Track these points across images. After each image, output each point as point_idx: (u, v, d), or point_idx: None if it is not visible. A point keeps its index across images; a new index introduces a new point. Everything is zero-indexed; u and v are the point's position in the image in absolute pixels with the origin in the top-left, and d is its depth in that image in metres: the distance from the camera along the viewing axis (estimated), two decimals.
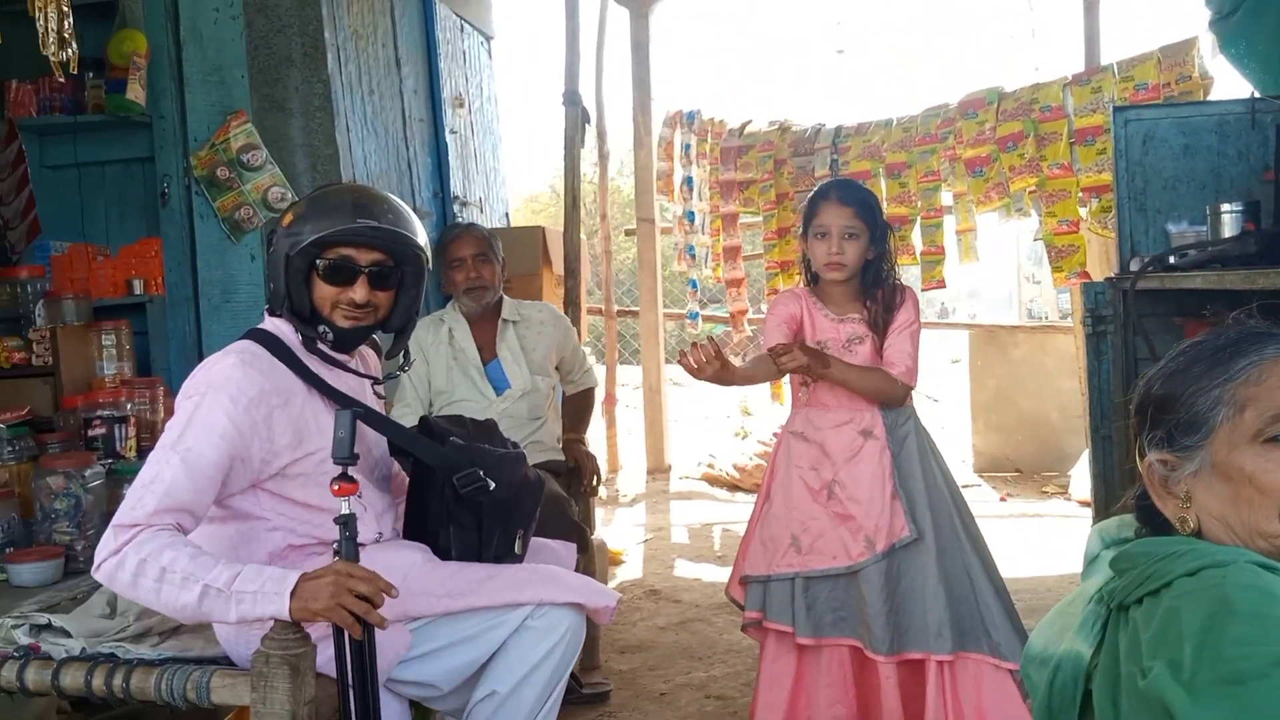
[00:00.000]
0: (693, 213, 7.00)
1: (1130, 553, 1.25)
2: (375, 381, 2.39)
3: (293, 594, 1.88)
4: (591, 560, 3.81)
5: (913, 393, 2.95)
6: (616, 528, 6.32)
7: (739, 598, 3.00)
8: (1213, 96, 4.60)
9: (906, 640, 2.74)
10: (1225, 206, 2.87)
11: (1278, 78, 3.64)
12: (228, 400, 2.04)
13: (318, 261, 2.19)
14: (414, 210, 5.22)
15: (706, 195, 6.95)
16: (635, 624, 4.40)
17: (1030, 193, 5.23)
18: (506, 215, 6.86)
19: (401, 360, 2.42)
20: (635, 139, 7.42)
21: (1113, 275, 3.25)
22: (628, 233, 8.40)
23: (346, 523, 1.93)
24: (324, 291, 2.20)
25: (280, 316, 2.25)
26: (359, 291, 2.20)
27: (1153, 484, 1.29)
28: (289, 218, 2.23)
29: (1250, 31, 3.74)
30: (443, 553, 2.31)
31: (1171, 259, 2.93)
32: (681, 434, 9.02)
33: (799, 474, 2.90)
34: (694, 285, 7.34)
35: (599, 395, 7.97)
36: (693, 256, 7.07)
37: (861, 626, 2.78)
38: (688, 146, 7.00)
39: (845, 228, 2.83)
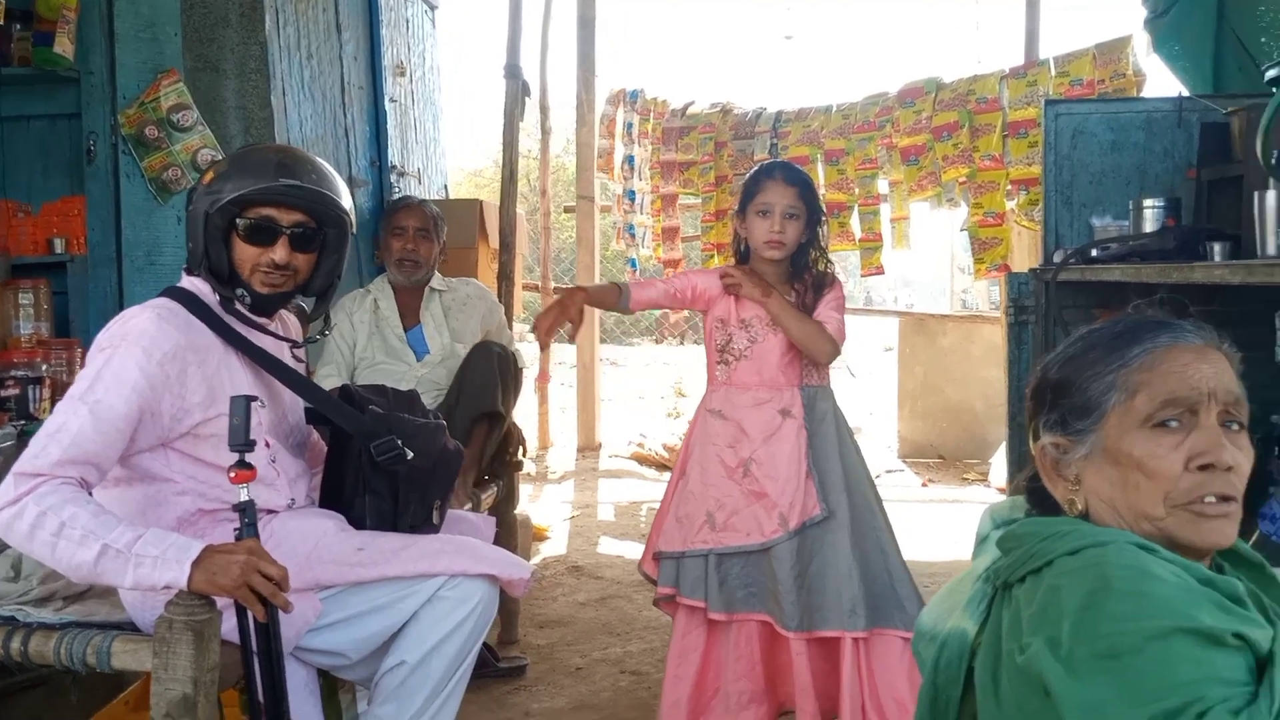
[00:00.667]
0: (633, 192, 6.98)
1: (1016, 532, 1.27)
2: (294, 345, 2.35)
3: (196, 564, 1.85)
4: (512, 534, 3.80)
5: (830, 371, 3.00)
6: (544, 504, 6.32)
7: (652, 573, 3.02)
8: (1145, 94, 4.69)
9: (818, 618, 2.77)
10: (1147, 202, 2.93)
11: (1206, 78, 3.72)
12: (141, 353, 2.00)
13: (238, 221, 2.14)
14: (350, 179, 5.20)
15: (647, 175, 6.94)
16: (556, 599, 4.41)
17: (961, 183, 5.30)
18: (445, 187, 6.79)
19: (322, 324, 2.39)
20: (578, 116, 7.38)
21: (1036, 266, 3.29)
22: (567, 210, 8.36)
23: (245, 509, 1.90)
24: (244, 252, 2.16)
25: (198, 276, 2.20)
26: (279, 253, 2.16)
27: (1044, 466, 1.32)
28: (210, 175, 2.19)
29: (1182, 31, 3.81)
30: (357, 521, 2.28)
31: (1093, 252, 2.97)
32: (614, 413, 9.04)
33: (715, 451, 2.90)
34: (633, 264, 7.33)
35: (532, 372, 7.98)
36: (632, 236, 7.06)
37: (773, 602, 2.80)
38: (630, 125, 6.98)
39: (788, 207, 2.85)
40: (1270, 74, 1.86)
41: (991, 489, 6.47)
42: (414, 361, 3.67)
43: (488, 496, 3.57)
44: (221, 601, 1.93)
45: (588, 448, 7.73)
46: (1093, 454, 1.26)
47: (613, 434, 8.03)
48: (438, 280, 3.80)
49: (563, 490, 6.73)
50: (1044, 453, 1.31)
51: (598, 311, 7.69)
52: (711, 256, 6.59)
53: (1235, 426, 1.24)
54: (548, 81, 7.37)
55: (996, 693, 1.19)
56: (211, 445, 2.13)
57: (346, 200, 2.25)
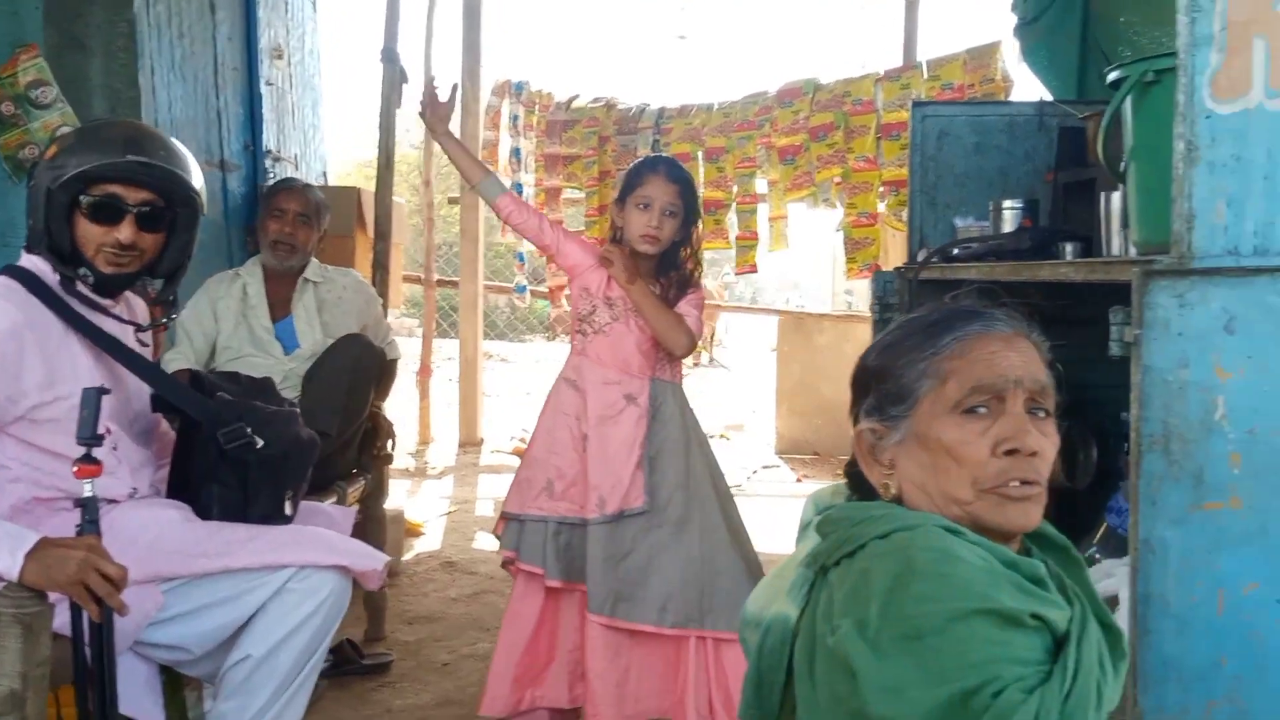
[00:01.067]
0: (520, 185, 6.92)
1: (833, 517, 1.30)
2: (139, 328, 2.26)
3: (30, 556, 1.77)
4: (381, 529, 3.73)
5: (683, 371, 3.02)
6: (422, 500, 6.23)
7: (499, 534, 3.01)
8: (1013, 98, 4.83)
9: (623, 609, 2.77)
10: (1006, 203, 2.99)
11: (1072, 85, 3.85)
12: None
13: (82, 198, 2.06)
14: (221, 162, 5.03)
15: (532, 168, 6.89)
16: (427, 595, 4.34)
17: (835, 184, 5.38)
18: (325, 174, 6.63)
19: (170, 308, 2.31)
20: (463, 106, 7.26)
21: (900, 265, 3.35)
22: (451, 201, 8.25)
23: (87, 505, 1.83)
24: (88, 231, 2.08)
25: (38, 254, 2.10)
26: (125, 232, 2.08)
27: (861, 451, 1.34)
28: (54, 149, 2.11)
29: (1050, 39, 3.94)
30: (204, 511, 2.22)
31: (955, 251, 3.03)
32: (500, 408, 8.98)
33: (564, 420, 2.91)
34: (521, 258, 7.27)
35: (414, 366, 7.86)
36: None
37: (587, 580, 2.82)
38: (515, 117, 6.92)
39: (668, 204, 2.85)
40: (1111, 76, 1.93)
41: None
42: (281, 355, 3.53)
43: (354, 490, 3.49)
44: (55, 595, 1.85)
45: (469, 443, 7.65)
46: (906, 439, 1.29)
47: (496, 430, 7.96)
48: (314, 270, 3.68)
49: (442, 485, 6.65)
50: (861, 438, 1.34)
51: (482, 307, 7.62)
52: None
53: (1041, 414, 1.28)
54: (432, 70, 7.24)
55: (811, 676, 1.20)
56: (48, 431, 2.04)
57: (198, 180, 2.18)
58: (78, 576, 1.76)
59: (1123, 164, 2.03)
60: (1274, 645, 1.73)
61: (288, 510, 2.29)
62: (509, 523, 2.94)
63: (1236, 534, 1.70)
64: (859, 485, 1.37)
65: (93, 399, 1.83)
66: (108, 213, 2.07)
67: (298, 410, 2.38)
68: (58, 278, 2.10)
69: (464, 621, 4.01)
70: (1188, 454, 1.68)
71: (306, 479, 2.36)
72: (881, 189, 5.26)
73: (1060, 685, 1.10)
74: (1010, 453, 1.23)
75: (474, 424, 7.69)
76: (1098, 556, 2.64)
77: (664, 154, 6.01)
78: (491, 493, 6.38)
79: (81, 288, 2.11)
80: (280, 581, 2.12)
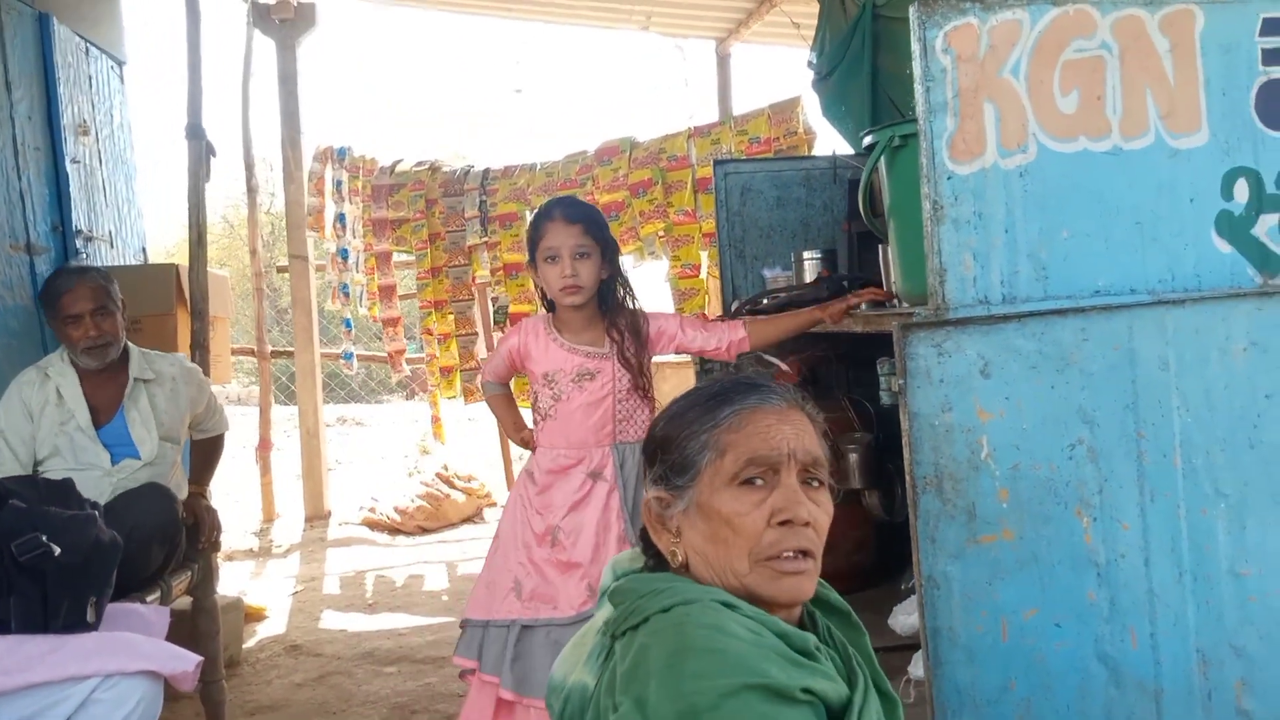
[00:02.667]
0: (346, 250, 6.85)
1: (622, 588, 1.33)
2: None
3: None
4: (213, 619, 3.60)
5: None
6: (266, 581, 6.02)
7: None
8: (817, 150, 5.03)
9: None
10: (806, 254, 3.13)
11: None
12: None
13: None
14: (28, 245, 4.83)
15: (360, 233, 6.83)
16: (270, 682, 4.20)
17: (660, 237, 5.51)
18: (143, 250, 6.43)
19: None
20: (285, 174, 7.17)
21: (717, 316, 3.46)
22: (280, 269, 8.09)
23: None
24: None
25: None
26: None
27: (649, 519, 1.38)
28: None
29: (844, 94, 4.11)
30: (2, 626, 2.12)
31: (764, 301, 3.14)
32: (352, 476, 8.76)
33: (525, 515, 2.75)
34: (348, 325, 7.17)
35: (253, 439, 7.63)
36: (347, 295, 6.92)
37: None
38: (339, 183, 6.86)
39: (576, 246, 2.68)
40: (866, 140, 2.04)
41: None
42: (109, 465, 3.22)
43: (179, 583, 3.36)
44: None
45: (316, 517, 7.44)
46: (690, 509, 1.33)
47: (347, 499, 7.77)
48: (138, 365, 3.38)
49: (288, 564, 6.44)
50: (649, 506, 1.38)
51: (319, 370, 7.47)
52: (429, 314, 6.55)
53: (816, 484, 1.34)
54: (252, 138, 7.13)
55: None
56: None
57: None
58: None
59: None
60: (1056, 666, 1.85)
61: (90, 617, 2.20)
62: (470, 629, 2.75)
63: (1011, 564, 1.81)
64: (652, 551, 1.40)
65: None
66: None
67: (98, 513, 2.30)
68: None
69: (309, 708, 3.89)
70: (959, 492, 1.78)
71: (111, 583, 2.28)
72: (703, 239, 5.40)
73: None
74: (784, 523, 1.28)
75: (320, 497, 7.49)
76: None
77: (489, 215, 6.05)
78: (339, 568, 6.24)
79: None
80: (86, 692, 2.05)
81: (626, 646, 1.24)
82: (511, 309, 6.12)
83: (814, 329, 2.70)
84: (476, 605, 2.77)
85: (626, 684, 1.19)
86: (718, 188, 3.40)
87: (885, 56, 3.92)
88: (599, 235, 2.73)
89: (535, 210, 5.96)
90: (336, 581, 5.95)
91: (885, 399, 1.74)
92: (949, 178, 1.72)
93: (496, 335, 6.89)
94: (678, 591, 1.26)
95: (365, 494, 7.87)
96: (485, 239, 6.21)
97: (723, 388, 1.38)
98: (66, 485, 2.41)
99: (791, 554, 1.28)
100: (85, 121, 5.72)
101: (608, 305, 2.77)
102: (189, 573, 3.45)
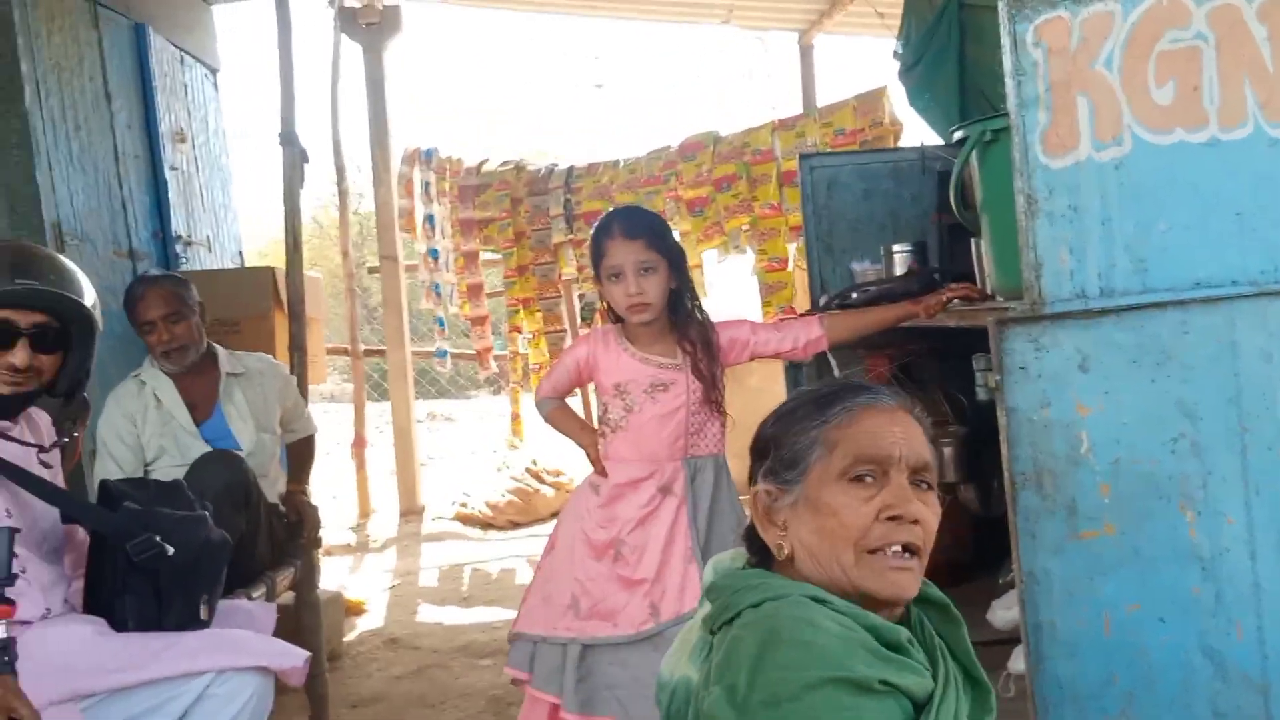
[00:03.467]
0: (436, 250, 6.97)
1: (718, 584, 1.37)
2: (41, 449, 2.25)
3: None
4: (315, 614, 3.70)
5: (725, 436, 2.76)
6: (364, 575, 6.17)
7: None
8: (904, 141, 4.98)
9: None
10: (896, 247, 3.10)
11: (953, 126, 3.97)
12: None
13: None
14: (130, 252, 5.00)
15: (449, 233, 6.94)
16: (370, 675, 4.31)
17: (745, 231, 5.50)
18: (240, 254, 6.62)
19: (73, 425, 2.32)
20: (375, 176, 7.32)
21: (804, 311, 3.44)
22: (371, 270, 8.26)
23: (3, 648, 1.83)
24: None
25: None
26: (19, 355, 2.10)
27: (758, 513, 1.41)
28: None
29: (932, 82, 4.06)
30: (119, 623, 2.22)
31: (853, 295, 3.12)
32: (443, 472, 8.91)
33: (583, 527, 2.68)
34: (441, 323, 7.29)
35: (348, 437, 7.81)
36: (438, 294, 7.03)
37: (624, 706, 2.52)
38: (427, 184, 6.98)
39: (639, 263, 2.58)
40: (956, 135, 2.02)
41: None
42: None
43: (283, 579, 3.46)
44: None
45: (410, 512, 7.59)
46: (798, 503, 1.36)
47: (439, 494, 7.90)
48: (228, 361, 3.51)
49: (384, 559, 6.59)
50: (757, 500, 1.41)
51: (412, 373, 7.61)
52: (517, 311, 6.63)
53: (924, 486, 1.36)
54: (341, 142, 7.29)
55: None
56: None
57: (89, 297, 2.20)
58: None
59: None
60: (1159, 660, 1.82)
61: (203, 614, 2.29)
62: (521, 641, 2.70)
63: (1112, 559, 1.78)
64: (755, 548, 1.43)
65: (4, 540, 1.83)
66: (0, 338, 2.08)
67: (205, 514, 2.39)
68: None
69: (409, 700, 3.99)
70: (1059, 487, 1.76)
71: (221, 581, 2.36)
72: (789, 232, 5.38)
73: None
74: (892, 518, 1.31)
75: (413, 493, 7.65)
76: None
77: (574, 213, 6.10)
78: (434, 562, 6.36)
79: None
80: (200, 688, 2.12)
81: (721, 640, 1.28)
82: (598, 305, 6.16)
83: (905, 323, 2.68)
84: (531, 619, 2.70)
85: (719, 675, 1.24)
86: (803, 182, 3.38)
87: (972, 46, 3.85)
88: (662, 247, 2.63)
89: (595, 228, 5.98)
90: (432, 575, 6.07)
91: (982, 394, 1.72)
92: (1043, 172, 1.70)
93: (584, 332, 6.95)
94: (769, 587, 1.30)
95: (456, 489, 7.99)
96: (571, 236, 6.27)
97: (832, 388, 1.42)
98: (176, 486, 2.50)
99: (898, 549, 1.31)
100: (182, 129, 5.90)
101: (678, 316, 2.68)
102: (292, 569, 3.55)
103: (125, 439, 3.34)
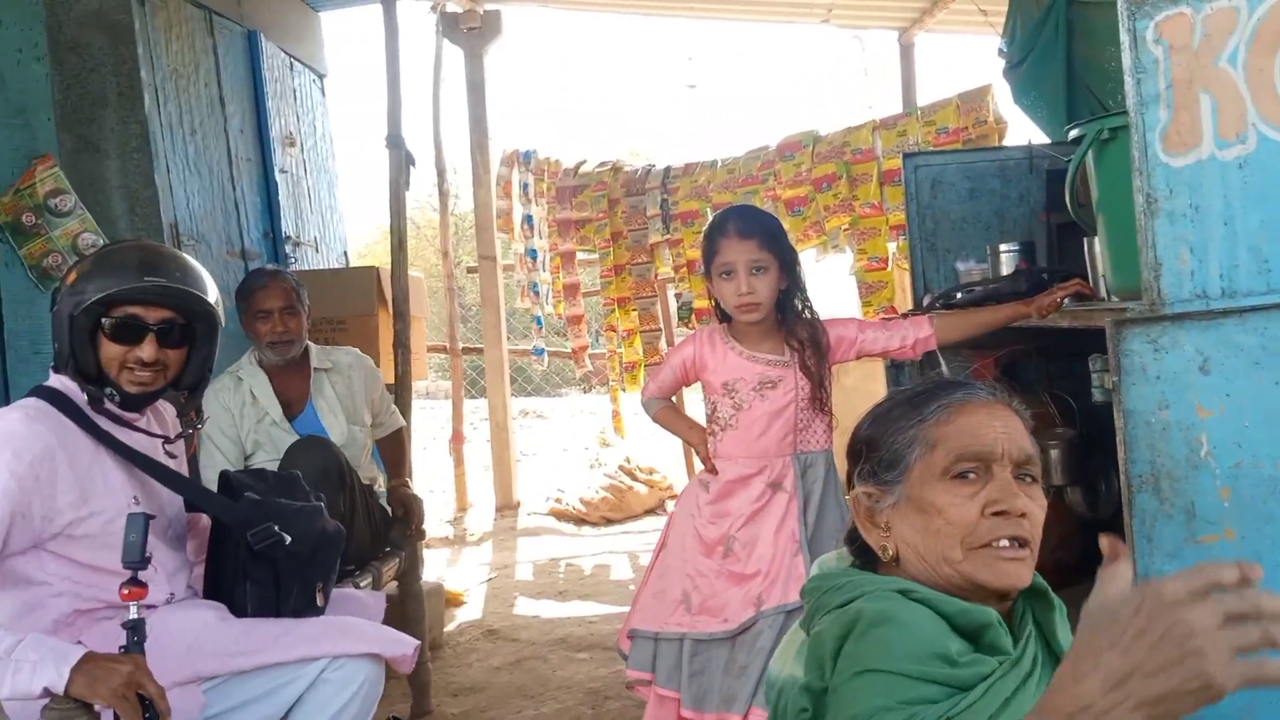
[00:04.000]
0: (534, 250, 7.06)
1: (809, 585, 1.39)
2: (167, 440, 2.34)
3: (77, 669, 1.83)
4: (418, 604, 3.79)
5: (832, 433, 2.76)
6: (462, 568, 6.29)
7: (627, 651, 2.79)
8: (1009, 140, 4.90)
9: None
10: (1003, 246, 3.06)
11: (1062, 124, 3.89)
12: (11, 455, 2.00)
13: (103, 320, 2.16)
14: (242, 252, 5.16)
15: (546, 233, 7.02)
16: (470, 665, 4.39)
17: (844, 231, 5.46)
18: (345, 255, 6.79)
19: (195, 419, 2.40)
20: (474, 178, 7.45)
21: (907, 311, 3.42)
22: (470, 270, 8.39)
23: (135, 627, 1.88)
24: (110, 351, 2.17)
25: (65, 374, 2.20)
26: (147, 350, 2.17)
27: (859, 515, 1.41)
28: (72, 276, 2.20)
29: (1037, 82, 3.99)
30: (239, 609, 2.29)
31: (958, 295, 3.09)
32: (536, 468, 9.02)
33: (695, 524, 2.70)
34: (539, 322, 7.38)
35: (446, 432, 7.95)
36: (536, 293, 7.12)
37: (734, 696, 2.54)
38: (526, 185, 7.07)
39: (752, 262, 2.59)
40: (1072, 133, 1.99)
41: None
42: None
43: (389, 569, 3.56)
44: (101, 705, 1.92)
45: (506, 507, 7.71)
46: (900, 502, 1.36)
47: (533, 490, 8.01)
48: (318, 356, 3.64)
49: (481, 552, 6.70)
50: (858, 502, 1.41)
51: (506, 366, 7.72)
52: (612, 311, 6.68)
53: (1028, 479, 1.35)
54: (443, 144, 7.42)
55: None
56: (85, 545, 2.12)
57: (213, 294, 2.28)
58: (122, 692, 1.82)
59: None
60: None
61: (319, 602, 2.36)
62: (639, 640, 2.70)
63: None
64: (858, 549, 1.44)
65: (140, 524, 1.89)
66: (129, 333, 2.17)
67: (323, 505, 2.46)
68: (85, 397, 2.19)
69: (508, 690, 4.05)
70: (1177, 491, 1.72)
71: (335, 570, 2.43)
72: (890, 232, 5.34)
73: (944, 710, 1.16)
74: (998, 514, 1.31)
75: (509, 488, 7.76)
76: None
77: (671, 214, 6.12)
78: (530, 556, 6.45)
79: (109, 405, 2.20)
80: (315, 673, 2.19)
81: (812, 640, 1.30)
82: (695, 304, 6.19)
83: (1015, 323, 2.64)
84: (645, 615, 2.73)
85: (808, 669, 1.26)
86: (907, 181, 3.36)
87: (1080, 43, 3.78)
88: (776, 248, 2.63)
89: (713, 213, 6.04)
90: (528, 569, 6.16)
91: (1097, 395, 1.70)
92: (1163, 170, 1.66)
93: (679, 331, 6.97)
94: (855, 585, 1.31)
95: (550, 485, 8.10)
96: (667, 236, 6.30)
97: (926, 386, 1.41)
98: (293, 478, 2.58)
99: (1007, 542, 1.30)
100: (291, 133, 6.08)
101: (786, 315, 2.69)
102: (397, 559, 3.65)
103: (226, 432, 3.48)
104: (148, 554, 2.18)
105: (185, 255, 2.30)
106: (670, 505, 7.49)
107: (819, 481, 2.69)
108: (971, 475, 1.32)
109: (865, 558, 1.43)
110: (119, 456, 2.19)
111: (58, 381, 2.21)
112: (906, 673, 1.17)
